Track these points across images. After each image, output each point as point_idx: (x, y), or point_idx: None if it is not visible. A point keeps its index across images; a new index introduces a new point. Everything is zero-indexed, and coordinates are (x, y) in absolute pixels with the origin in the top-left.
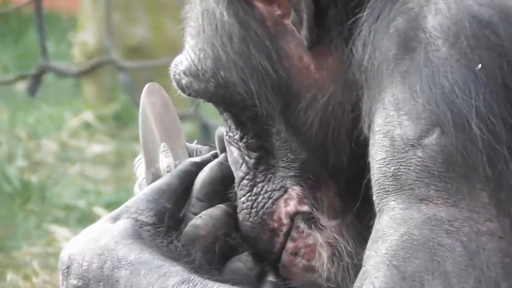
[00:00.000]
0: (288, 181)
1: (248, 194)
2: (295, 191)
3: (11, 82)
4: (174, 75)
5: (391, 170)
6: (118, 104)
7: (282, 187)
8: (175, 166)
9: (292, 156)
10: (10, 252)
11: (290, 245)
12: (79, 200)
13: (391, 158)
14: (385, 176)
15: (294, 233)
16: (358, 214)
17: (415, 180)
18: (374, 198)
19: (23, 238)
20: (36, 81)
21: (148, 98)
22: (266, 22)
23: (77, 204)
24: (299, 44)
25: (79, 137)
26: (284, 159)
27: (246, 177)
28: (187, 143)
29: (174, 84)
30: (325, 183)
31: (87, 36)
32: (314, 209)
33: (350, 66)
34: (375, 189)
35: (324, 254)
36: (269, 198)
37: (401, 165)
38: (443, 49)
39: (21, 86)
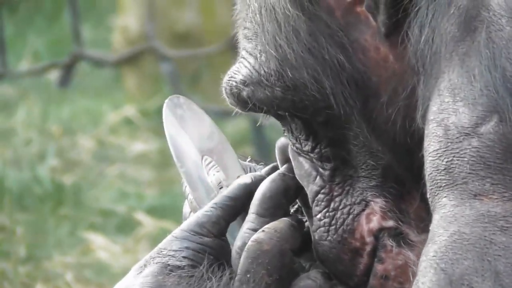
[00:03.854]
0: (369, 193)
1: (325, 210)
2: (378, 204)
3: (42, 72)
4: (231, 89)
5: (443, 163)
6: (163, 97)
7: (362, 200)
8: (227, 185)
9: (372, 163)
10: (40, 262)
11: (378, 267)
12: (118, 204)
13: (444, 149)
14: (437, 170)
15: (381, 253)
16: None
17: (469, 173)
18: (427, 195)
19: (54, 246)
20: (68, 70)
21: (173, 112)
22: (334, 13)
23: (116, 209)
24: (374, 33)
25: (119, 134)
26: (363, 167)
27: (322, 191)
28: (240, 161)
29: (231, 100)
30: (409, 191)
31: (128, 20)
32: (401, 223)
33: (405, 50)
34: (428, 185)
35: None
36: (349, 213)
37: (454, 156)
38: (507, 28)
39: (54, 76)
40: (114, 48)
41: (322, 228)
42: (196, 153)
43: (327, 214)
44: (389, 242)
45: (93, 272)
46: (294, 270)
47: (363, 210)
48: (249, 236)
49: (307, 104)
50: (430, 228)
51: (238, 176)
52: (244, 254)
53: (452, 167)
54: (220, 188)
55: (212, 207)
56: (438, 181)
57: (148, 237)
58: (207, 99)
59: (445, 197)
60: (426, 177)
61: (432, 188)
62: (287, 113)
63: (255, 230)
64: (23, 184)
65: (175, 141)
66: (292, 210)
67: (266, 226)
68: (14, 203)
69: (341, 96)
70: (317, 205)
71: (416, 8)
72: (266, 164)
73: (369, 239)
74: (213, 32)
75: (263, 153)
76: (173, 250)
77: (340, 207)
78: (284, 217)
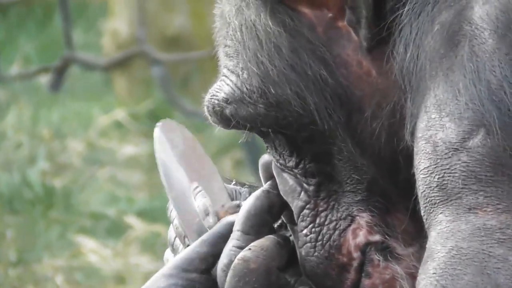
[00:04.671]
0: (355, 208)
1: (311, 225)
2: (364, 219)
3: (33, 75)
4: (214, 108)
5: (435, 180)
6: (153, 101)
7: (348, 215)
8: (216, 214)
9: (357, 177)
10: (30, 265)
11: (366, 282)
12: (108, 207)
13: (435, 166)
14: (430, 187)
15: (368, 268)
16: None
17: (462, 188)
18: (422, 213)
19: (44, 249)
20: (59, 74)
21: (165, 136)
22: (316, 28)
23: (106, 212)
24: (356, 48)
25: (109, 137)
26: (348, 181)
27: (307, 206)
28: (226, 185)
29: (214, 118)
30: (395, 205)
31: (119, 24)
32: (387, 237)
33: (388, 65)
34: (422, 203)
35: (406, 286)
36: (335, 229)
37: (445, 173)
38: (489, 41)
39: (45, 80)
40: (105, 52)
41: (309, 244)
42: (185, 178)
43: (313, 229)
44: (376, 257)
45: (83, 275)
46: (280, 286)
47: (349, 225)
48: (235, 253)
49: (290, 121)
50: (427, 245)
51: (223, 205)
52: (230, 272)
53: (445, 183)
54: (207, 215)
55: (201, 244)
56: (432, 198)
57: (138, 240)
58: (197, 103)
59: (440, 213)
60: (419, 195)
61: (426, 206)
62: (270, 130)
63: (240, 248)
64: (14, 188)
65: (165, 165)
66: (276, 226)
67: (253, 244)
68: (4, 207)
69: (325, 112)
70: (302, 221)
71: (400, 26)
72: (250, 186)
73: (356, 254)
74: (203, 36)
75: (253, 157)
76: (161, 287)
77: (326, 223)
78: (270, 234)
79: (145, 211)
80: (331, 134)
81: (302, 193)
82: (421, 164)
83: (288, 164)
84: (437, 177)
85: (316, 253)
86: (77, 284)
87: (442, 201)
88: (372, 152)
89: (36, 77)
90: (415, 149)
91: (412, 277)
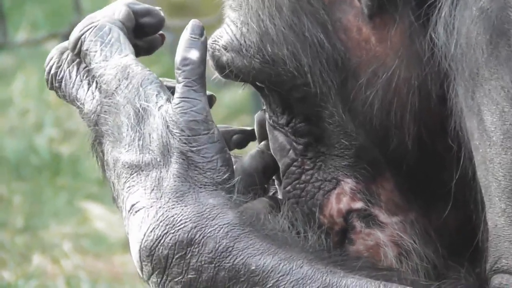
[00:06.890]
0: (340, 172)
1: (296, 182)
2: (348, 184)
3: (41, 41)
4: (213, 52)
5: None
6: (161, 66)
7: (333, 178)
8: None
9: (346, 143)
10: (37, 232)
11: (350, 248)
12: None
13: None
14: None
15: (351, 235)
16: (428, 212)
17: None
18: (499, 205)
19: (52, 216)
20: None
21: None
22: None
23: None
24: (358, 14)
25: None
26: (336, 146)
27: (294, 164)
28: None
29: (212, 63)
30: (382, 174)
31: None
32: (370, 205)
33: (432, 54)
34: (503, 196)
35: (390, 253)
36: (320, 188)
37: None
38: None
39: (53, 46)
40: None
41: (292, 200)
42: None
43: (297, 186)
44: (358, 224)
45: (90, 241)
46: None
47: (334, 188)
48: None
49: (284, 79)
50: None
51: None
52: None
53: None
54: None
55: None
56: None
57: None
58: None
59: None
60: (496, 187)
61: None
62: (263, 85)
63: None
64: (21, 154)
65: None
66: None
67: (244, 206)
68: (11, 173)
69: (318, 75)
70: (287, 178)
71: (441, 11)
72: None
73: (338, 219)
74: (210, 2)
75: None
76: None
77: (312, 181)
78: (263, 194)
79: None
80: (323, 98)
81: (291, 151)
82: (502, 158)
83: (280, 122)
84: None
85: (297, 209)
86: (84, 250)
87: None
88: (363, 120)
89: (44, 43)
90: (486, 142)
91: (396, 245)
